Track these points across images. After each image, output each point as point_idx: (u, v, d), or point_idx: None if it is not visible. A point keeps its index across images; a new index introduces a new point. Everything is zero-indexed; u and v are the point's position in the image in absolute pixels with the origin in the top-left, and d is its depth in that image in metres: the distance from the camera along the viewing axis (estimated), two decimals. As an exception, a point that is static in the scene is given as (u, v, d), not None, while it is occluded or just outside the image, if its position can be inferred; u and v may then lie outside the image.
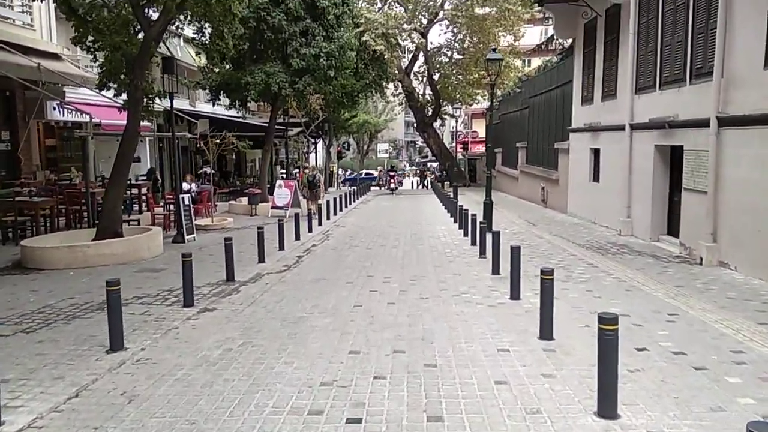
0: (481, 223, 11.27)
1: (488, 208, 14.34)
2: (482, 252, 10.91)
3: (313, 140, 37.18)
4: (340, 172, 50.35)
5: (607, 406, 4.07)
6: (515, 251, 7.51)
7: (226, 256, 9.15)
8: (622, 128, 13.52)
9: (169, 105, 13.39)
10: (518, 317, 6.77)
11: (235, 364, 5.38)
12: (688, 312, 6.85)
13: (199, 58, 23.13)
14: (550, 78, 22.10)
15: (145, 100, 13.41)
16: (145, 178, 20.94)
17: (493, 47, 13.99)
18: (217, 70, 19.52)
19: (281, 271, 10.09)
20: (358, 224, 17.56)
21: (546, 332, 5.88)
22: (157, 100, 14.34)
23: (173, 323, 6.75)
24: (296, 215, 14.52)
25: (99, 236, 11.28)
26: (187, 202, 13.78)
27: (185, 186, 20.50)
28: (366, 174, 50.25)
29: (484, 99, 36.61)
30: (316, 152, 40.07)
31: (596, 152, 15.82)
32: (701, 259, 9.86)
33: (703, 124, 9.94)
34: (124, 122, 15.70)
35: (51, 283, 9.06)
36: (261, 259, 10.86)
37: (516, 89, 28.65)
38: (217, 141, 16.55)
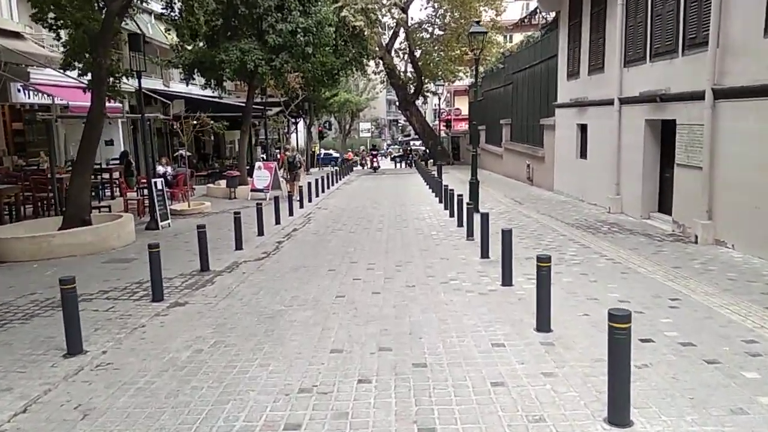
0: (467, 203, 10.82)
1: (474, 187, 13.87)
2: (470, 234, 10.47)
3: (293, 120, 36.37)
4: (322, 152, 49.46)
5: (618, 413, 3.65)
6: (506, 235, 7.06)
7: (200, 244, 8.61)
8: (610, 103, 13.09)
9: (138, 85, 12.63)
10: (512, 306, 6.34)
11: (204, 368, 4.88)
12: (690, 296, 6.47)
13: (171, 35, 22.30)
14: (534, 53, 21.57)
15: (111, 79, 12.70)
16: (118, 161, 20.14)
17: (476, 20, 13.37)
18: (189, 47, 18.68)
19: (260, 258, 9.57)
20: (341, 206, 17.04)
21: (543, 324, 5.46)
22: (126, 80, 13.61)
23: (140, 320, 6.22)
24: (276, 198, 13.96)
25: (66, 225, 10.66)
26: (160, 187, 13.14)
27: (160, 169, 19.78)
28: (325, 155, 48.39)
29: (467, 75, 36.06)
30: (296, 132, 39.28)
31: (583, 128, 15.41)
32: (696, 237, 9.51)
33: (698, 96, 9.53)
34: (92, 104, 14.94)
35: (12, 277, 8.46)
36: (238, 246, 10.33)
37: (499, 65, 28.07)
38: (193, 122, 15.81)
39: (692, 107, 9.86)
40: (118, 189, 17.20)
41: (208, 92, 24.14)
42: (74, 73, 13.14)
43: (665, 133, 11.46)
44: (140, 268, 8.68)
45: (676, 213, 10.56)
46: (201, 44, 19.74)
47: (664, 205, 11.48)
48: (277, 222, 13.38)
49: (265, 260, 9.42)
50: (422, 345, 5.22)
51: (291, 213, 15.00)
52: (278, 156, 29.85)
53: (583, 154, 15.41)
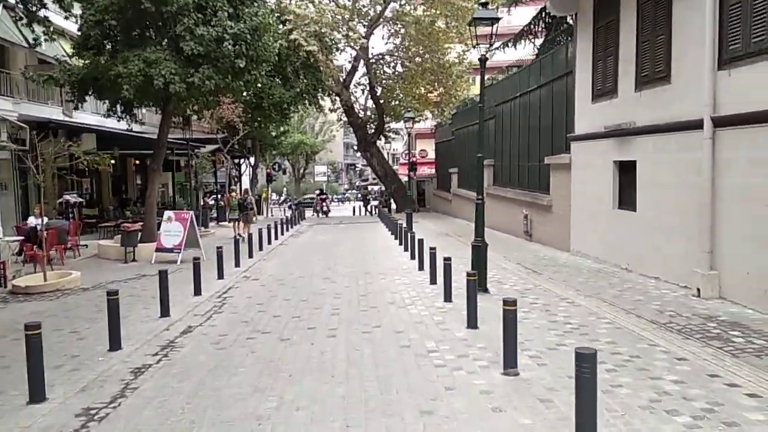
0: (506, 303, 5.61)
1: (481, 254, 8.91)
2: (510, 362, 5.37)
3: (234, 161, 31.11)
4: (273, 196, 44.31)
5: None
6: None
7: None
8: (691, 126, 8.50)
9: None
10: None
11: None
12: None
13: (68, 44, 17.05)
14: (527, 77, 17.28)
15: None
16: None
17: (483, 2, 8.82)
18: (71, 56, 13.48)
19: (58, 439, 4.24)
20: (279, 275, 11.80)
21: None
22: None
23: None
24: (162, 273, 8.48)
25: None
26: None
27: (32, 221, 14.39)
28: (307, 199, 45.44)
29: (434, 116, 31.62)
30: (240, 175, 33.96)
31: (626, 166, 10.77)
32: None
33: None
34: None
35: None
36: (36, 396, 4.98)
37: (475, 98, 23.73)
38: (42, 153, 10.38)
39: None
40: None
41: (125, 125, 18.52)
42: None
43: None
44: None
45: None
46: (102, 59, 14.43)
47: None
48: (164, 313, 8.12)
49: (65, 449, 4.09)
50: None
51: (198, 291, 9.75)
52: (223, 198, 24.80)
53: (628, 203, 10.72)
